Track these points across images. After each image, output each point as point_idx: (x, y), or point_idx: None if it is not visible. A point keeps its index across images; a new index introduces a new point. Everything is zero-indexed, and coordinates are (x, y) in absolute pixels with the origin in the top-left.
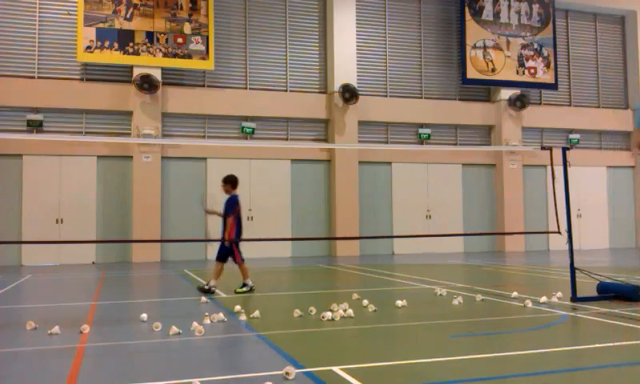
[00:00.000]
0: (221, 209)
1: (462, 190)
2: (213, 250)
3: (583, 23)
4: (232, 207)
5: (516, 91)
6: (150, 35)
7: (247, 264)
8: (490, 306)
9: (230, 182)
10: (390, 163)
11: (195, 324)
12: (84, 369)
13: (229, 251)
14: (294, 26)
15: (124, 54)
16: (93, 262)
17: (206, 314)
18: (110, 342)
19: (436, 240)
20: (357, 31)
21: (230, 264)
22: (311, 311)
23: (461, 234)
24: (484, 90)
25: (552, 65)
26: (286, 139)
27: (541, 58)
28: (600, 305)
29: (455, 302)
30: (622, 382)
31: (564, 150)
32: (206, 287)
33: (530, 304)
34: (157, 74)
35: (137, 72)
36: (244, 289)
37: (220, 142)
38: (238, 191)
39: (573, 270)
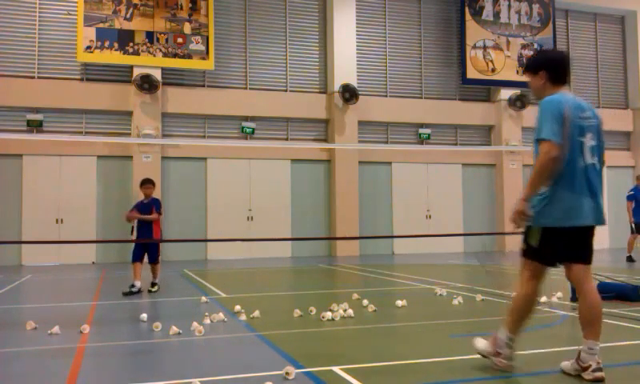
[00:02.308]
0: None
1: (461, 190)
2: (213, 249)
3: (583, 23)
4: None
5: (516, 91)
6: (150, 35)
7: (246, 264)
8: (490, 306)
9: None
10: (390, 163)
11: (195, 324)
12: (84, 369)
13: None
14: (293, 26)
15: (124, 54)
16: (93, 262)
17: (206, 314)
18: (109, 342)
19: (436, 240)
20: (357, 31)
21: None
22: (311, 311)
23: (461, 234)
24: (484, 89)
25: None
26: (286, 139)
27: None
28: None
29: (455, 301)
30: (623, 382)
31: None
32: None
33: None
34: (157, 74)
35: (137, 72)
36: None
37: (220, 142)
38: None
39: None
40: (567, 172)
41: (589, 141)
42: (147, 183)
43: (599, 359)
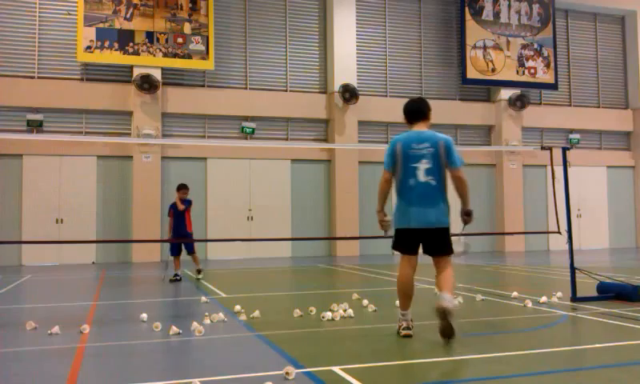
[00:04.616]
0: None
1: None
2: (213, 250)
3: (583, 23)
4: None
5: (516, 91)
6: (150, 35)
7: (246, 264)
8: (489, 305)
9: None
10: None
11: (195, 324)
12: (84, 369)
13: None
14: (293, 26)
15: (124, 54)
16: (93, 262)
17: (206, 313)
18: (110, 342)
19: None
20: (357, 31)
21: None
22: (311, 311)
23: (460, 234)
24: (484, 89)
25: (552, 65)
26: (286, 139)
27: (541, 58)
28: (600, 305)
29: (455, 301)
30: (622, 382)
31: (564, 149)
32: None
33: (529, 304)
34: (157, 74)
35: (137, 72)
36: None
37: (220, 142)
38: (191, 196)
39: (573, 269)
40: (401, 189)
41: (424, 165)
42: (184, 188)
43: (409, 322)
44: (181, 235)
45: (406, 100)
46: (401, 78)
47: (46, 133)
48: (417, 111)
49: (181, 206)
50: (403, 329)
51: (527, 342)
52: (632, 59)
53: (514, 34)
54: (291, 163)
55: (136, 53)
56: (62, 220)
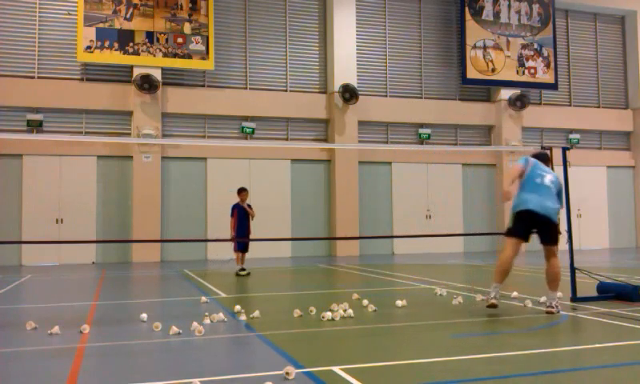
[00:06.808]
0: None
1: (462, 190)
2: (213, 249)
3: (583, 23)
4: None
5: (516, 91)
6: (149, 35)
7: (246, 264)
8: None
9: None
10: (390, 163)
11: (195, 324)
12: (84, 369)
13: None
14: (293, 26)
15: (124, 54)
16: (93, 262)
17: (206, 313)
18: (110, 342)
19: (436, 240)
20: (357, 31)
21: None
22: (311, 311)
23: (461, 234)
24: (484, 89)
25: (552, 65)
26: (286, 139)
27: (541, 58)
28: (600, 305)
29: (455, 302)
30: (622, 382)
31: (564, 149)
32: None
33: (529, 304)
34: (157, 74)
35: (137, 72)
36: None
37: (220, 142)
38: (241, 199)
39: (573, 270)
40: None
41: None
42: (244, 191)
43: (497, 294)
44: (246, 234)
45: (406, 100)
46: (401, 78)
47: (45, 133)
48: (541, 157)
49: (248, 209)
50: (490, 298)
51: (527, 342)
52: (632, 59)
53: (514, 34)
54: (291, 163)
55: (136, 53)
56: (61, 220)
